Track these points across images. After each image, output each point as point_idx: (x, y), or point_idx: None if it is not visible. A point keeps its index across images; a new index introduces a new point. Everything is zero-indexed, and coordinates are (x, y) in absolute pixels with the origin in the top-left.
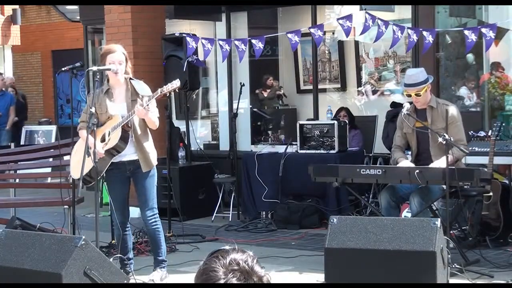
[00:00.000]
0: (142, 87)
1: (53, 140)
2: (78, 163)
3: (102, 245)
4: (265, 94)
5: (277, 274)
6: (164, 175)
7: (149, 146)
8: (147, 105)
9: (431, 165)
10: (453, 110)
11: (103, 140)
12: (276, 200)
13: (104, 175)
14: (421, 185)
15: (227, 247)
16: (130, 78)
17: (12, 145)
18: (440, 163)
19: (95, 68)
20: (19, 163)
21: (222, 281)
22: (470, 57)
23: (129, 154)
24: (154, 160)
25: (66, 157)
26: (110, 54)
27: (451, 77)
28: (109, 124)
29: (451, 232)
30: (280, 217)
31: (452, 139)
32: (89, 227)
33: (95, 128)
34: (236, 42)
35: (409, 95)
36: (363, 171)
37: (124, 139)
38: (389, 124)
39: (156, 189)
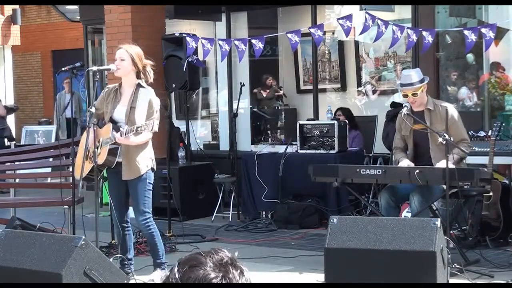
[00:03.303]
0: (143, 101)
1: (53, 140)
2: (79, 163)
3: (102, 245)
4: (264, 94)
5: (277, 274)
6: (164, 175)
7: (140, 154)
8: (126, 134)
9: (436, 166)
10: (452, 110)
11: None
12: (276, 200)
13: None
14: (421, 185)
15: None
16: (141, 85)
17: (12, 145)
18: (443, 164)
19: (95, 68)
20: (19, 163)
21: (218, 279)
22: (470, 57)
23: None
24: (143, 169)
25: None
26: (117, 50)
27: (451, 77)
28: (103, 132)
29: (451, 232)
30: (280, 217)
31: (453, 140)
32: (89, 227)
33: (95, 128)
34: (236, 42)
35: (406, 96)
36: (363, 171)
37: (112, 153)
38: (389, 124)
39: (150, 193)
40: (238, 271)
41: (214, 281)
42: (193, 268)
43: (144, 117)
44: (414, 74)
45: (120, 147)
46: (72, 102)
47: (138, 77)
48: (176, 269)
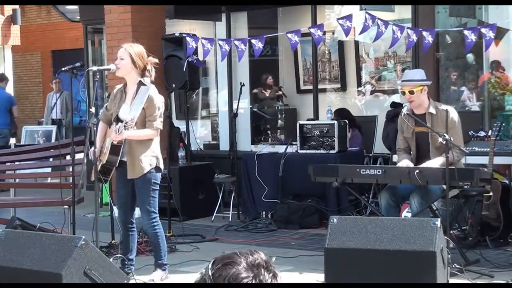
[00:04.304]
0: (141, 98)
1: (53, 140)
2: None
3: (102, 245)
4: (267, 94)
5: None
6: (164, 175)
7: (143, 152)
8: (120, 132)
9: (426, 164)
10: (453, 114)
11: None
12: (276, 200)
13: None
14: (421, 185)
15: (223, 253)
16: (142, 83)
17: (12, 145)
18: (434, 162)
19: (95, 68)
20: (19, 163)
21: (254, 280)
22: (470, 57)
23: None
24: (146, 167)
25: (67, 157)
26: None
27: (451, 77)
28: (110, 132)
29: (451, 232)
30: (280, 217)
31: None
32: (89, 227)
33: (95, 128)
34: (236, 42)
35: (404, 93)
36: (363, 171)
37: (114, 153)
38: (389, 124)
39: (156, 193)
40: (271, 274)
41: (245, 280)
42: (226, 266)
43: (136, 113)
44: (416, 73)
45: (123, 146)
46: (65, 103)
47: (143, 75)
48: (210, 266)
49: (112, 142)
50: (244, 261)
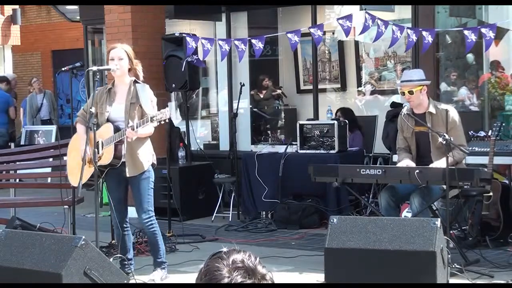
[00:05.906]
0: (145, 95)
1: (53, 140)
2: (75, 169)
3: (102, 245)
4: (261, 96)
5: (277, 274)
6: (164, 175)
7: (143, 149)
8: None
9: (431, 166)
10: (453, 113)
11: (97, 146)
12: (276, 200)
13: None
14: (421, 185)
15: (225, 249)
16: (136, 81)
17: (12, 145)
18: (439, 163)
19: (95, 68)
20: (19, 163)
21: (226, 280)
22: (470, 57)
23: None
24: (146, 164)
25: (65, 157)
26: (112, 50)
27: (451, 77)
28: (103, 133)
29: (451, 232)
30: (280, 217)
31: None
32: (89, 227)
33: (95, 128)
34: (236, 42)
35: (403, 93)
36: (363, 171)
37: (117, 154)
38: (389, 124)
39: (152, 191)
40: (249, 281)
41: (223, 279)
42: (216, 259)
43: (153, 109)
44: (415, 73)
45: (124, 146)
46: (51, 102)
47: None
48: (212, 254)
49: (115, 144)
50: (231, 259)
